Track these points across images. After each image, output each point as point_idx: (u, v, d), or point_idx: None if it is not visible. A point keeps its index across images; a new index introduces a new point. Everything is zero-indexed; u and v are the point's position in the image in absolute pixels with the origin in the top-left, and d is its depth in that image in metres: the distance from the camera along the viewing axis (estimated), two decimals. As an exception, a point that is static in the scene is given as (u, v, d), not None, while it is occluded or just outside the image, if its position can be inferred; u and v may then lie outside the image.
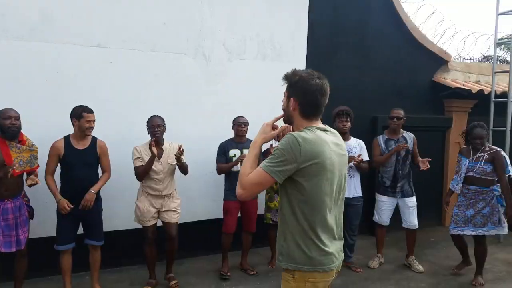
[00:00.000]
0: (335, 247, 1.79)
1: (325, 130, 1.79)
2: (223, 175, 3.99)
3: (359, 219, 4.19)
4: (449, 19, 19.53)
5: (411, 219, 4.23)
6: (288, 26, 4.70)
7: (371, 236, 4.73)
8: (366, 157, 4.15)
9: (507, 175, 3.82)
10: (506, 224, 3.83)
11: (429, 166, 4.17)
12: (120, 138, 3.81)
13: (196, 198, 4.30)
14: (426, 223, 5.46)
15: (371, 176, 5.06)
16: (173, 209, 3.66)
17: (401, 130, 4.31)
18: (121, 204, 3.84)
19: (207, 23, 4.29)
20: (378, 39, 5.37)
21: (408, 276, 4.10)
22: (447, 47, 7.49)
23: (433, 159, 5.65)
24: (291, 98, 1.77)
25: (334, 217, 1.81)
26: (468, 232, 3.89)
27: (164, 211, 3.63)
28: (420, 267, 4.22)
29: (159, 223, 3.69)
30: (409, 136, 4.28)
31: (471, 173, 3.87)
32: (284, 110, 1.85)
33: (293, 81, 1.77)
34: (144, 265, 3.78)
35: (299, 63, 4.76)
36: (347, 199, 3.99)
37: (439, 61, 5.84)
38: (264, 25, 4.58)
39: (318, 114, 1.81)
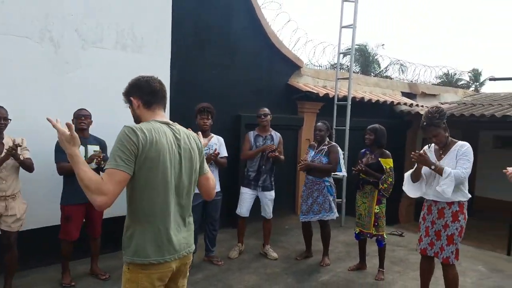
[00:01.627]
0: (176, 238, 1.81)
1: (167, 124, 1.87)
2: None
3: (218, 213, 4.30)
4: (302, 28, 21.70)
5: (268, 211, 4.57)
6: (150, 18, 4.53)
7: (234, 228, 4.93)
8: (224, 153, 4.28)
9: (339, 174, 4.42)
10: (335, 210, 4.38)
11: (276, 155, 4.39)
12: None
13: (37, 201, 3.70)
14: (282, 212, 5.97)
15: (235, 171, 5.29)
16: (14, 215, 3.22)
17: (270, 128, 4.59)
18: None
19: (55, 4, 3.84)
20: (240, 41, 5.61)
21: (265, 263, 4.39)
22: (300, 54, 8.24)
23: (288, 155, 6.20)
24: (131, 99, 1.87)
25: (176, 208, 1.84)
26: (309, 218, 4.36)
27: (7, 216, 3.18)
28: (274, 255, 4.55)
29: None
30: (276, 135, 4.59)
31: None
32: (134, 116, 1.92)
33: (127, 88, 1.90)
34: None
35: (163, 57, 4.65)
36: (208, 195, 4.14)
37: (294, 66, 6.41)
38: (124, 14, 4.33)
39: (159, 101, 1.90)
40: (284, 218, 6.08)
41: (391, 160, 3.98)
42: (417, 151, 3.16)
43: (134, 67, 4.44)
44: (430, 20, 49.61)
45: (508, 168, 2.63)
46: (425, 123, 3.12)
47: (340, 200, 5.98)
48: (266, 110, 4.52)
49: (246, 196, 4.53)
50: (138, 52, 4.48)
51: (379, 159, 3.96)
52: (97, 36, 4.16)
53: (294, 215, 6.38)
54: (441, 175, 3.01)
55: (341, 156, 4.46)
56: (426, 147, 3.30)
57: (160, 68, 4.63)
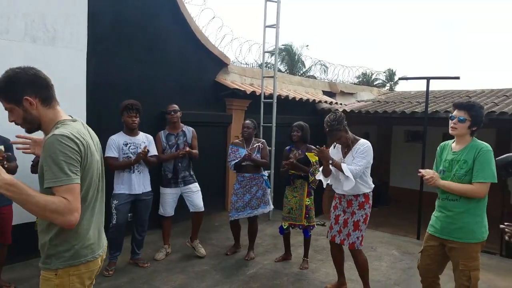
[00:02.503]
0: (103, 235, 1.85)
1: (75, 121, 1.75)
2: None
3: (148, 214, 4.18)
4: (228, 25, 21.73)
5: (197, 202, 4.45)
6: (63, 8, 4.23)
7: (160, 229, 4.80)
8: (154, 151, 4.18)
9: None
10: (271, 202, 4.57)
11: (188, 151, 4.35)
12: None
13: None
14: (212, 209, 5.96)
15: (156, 170, 5.15)
16: None
17: (181, 124, 4.53)
18: None
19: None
20: (164, 36, 5.48)
21: (193, 262, 4.36)
22: (227, 51, 8.28)
23: (216, 152, 6.21)
24: (26, 98, 1.60)
25: (101, 206, 1.84)
26: (246, 215, 4.42)
27: None
28: (202, 251, 4.52)
29: None
30: (188, 130, 4.53)
31: (247, 163, 4.41)
32: (29, 119, 1.65)
33: (12, 87, 1.59)
34: None
35: (80, 51, 4.39)
36: (136, 195, 4.00)
37: (220, 63, 6.42)
38: (34, 4, 4.00)
39: (54, 94, 1.72)
40: (213, 215, 6.08)
41: None
42: (318, 146, 3.40)
43: (47, 60, 4.15)
44: (351, 21, 52.83)
45: (421, 170, 2.88)
46: (327, 129, 3.37)
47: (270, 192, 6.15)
48: (175, 106, 4.45)
49: (168, 196, 4.42)
50: (50, 44, 4.17)
51: (306, 153, 4.16)
52: (3, 27, 3.79)
53: (224, 211, 6.41)
54: (340, 170, 3.30)
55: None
56: (334, 144, 3.59)
57: (75, 62, 4.37)
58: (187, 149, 4.35)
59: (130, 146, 3.98)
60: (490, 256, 5.05)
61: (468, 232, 2.64)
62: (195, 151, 4.47)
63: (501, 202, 5.39)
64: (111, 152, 3.92)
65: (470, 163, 2.61)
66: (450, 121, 2.74)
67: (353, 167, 3.28)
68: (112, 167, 3.90)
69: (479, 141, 2.68)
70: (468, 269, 2.63)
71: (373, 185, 3.47)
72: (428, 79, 5.76)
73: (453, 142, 2.82)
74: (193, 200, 4.46)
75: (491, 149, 2.62)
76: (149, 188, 4.14)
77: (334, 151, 3.56)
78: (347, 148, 3.46)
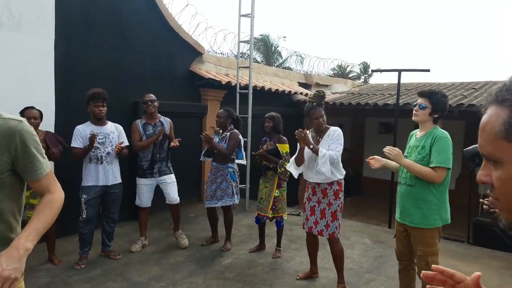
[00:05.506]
0: None
1: None
2: None
3: (119, 206, 4.10)
4: (202, 14, 21.37)
5: (171, 194, 4.41)
6: (29, -8, 4.06)
7: (136, 221, 4.73)
8: (126, 142, 4.09)
9: (240, 161, 4.52)
10: (237, 195, 4.47)
11: (178, 145, 4.36)
12: None
13: None
14: (187, 200, 5.91)
15: (134, 160, 5.04)
16: None
17: (158, 114, 4.44)
18: None
19: None
20: (136, 22, 5.33)
21: (168, 253, 4.32)
22: (201, 40, 8.17)
23: (192, 143, 6.14)
24: None
25: None
26: (213, 204, 4.37)
27: None
28: (185, 242, 4.47)
29: None
30: (166, 121, 4.46)
31: (215, 151, 4.38)
32: None
33: None
34: None
35: (46, 37, 4.23)
36: (106, 187, 3.91)
37: (195, 52, 6.31)
38: (-3, -13, 3.81)
39: None
40: (189, 206, 6.04)
41: (288, 145, 4.20)
42: (300, 130, 3.39)
43: (12, 46, 3.98)
44: (327, 14, 53.22)
45: (386, 147, 2.91)
46: (314, 104, 3.41)
47: (244, 185, 6.15)
48: (152, 96, 4.36)
49: (144, 187, 4.36)
50: (16, 30, 4.00)
51: (277, 144, 4.16)
52: (-38, 10, 3.60)
53: (200, 202, 6.37)
54: (317, 155, 3.31)
55: (242, 143, 4.55)
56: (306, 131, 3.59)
57: (42, 48, 4.21)
58: (177, 143, 4.29)
59: (97, 136, 3.87)
60: (458, 243, 5.25)
61: (423, 218, 2.72)
62: (176, 141, 4.37)
63: (469, 191, 5.59)
64: (75, 143, 3.80)
65: (428, 149, 2.70)
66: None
67: (332, 152, 3.32)
68: (75, 156, 3.81)
69: (440, 129, 2.77)
70: (426, 254, 2.73)
71: (344, 172, 3.53)
72: (399, 71, 5.86)
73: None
74: (168, 192, 4.41)
75: (448, 136, 2.71)
76: (119, 180, 4.04)
77: None
78: (319, 135, 3.49)
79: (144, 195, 4.36)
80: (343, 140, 3.44)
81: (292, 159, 3.60)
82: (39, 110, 3.67)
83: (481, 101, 6.29)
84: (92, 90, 3.83)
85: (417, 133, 2.89)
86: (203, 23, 8.77)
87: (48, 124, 4.13)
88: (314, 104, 3.42)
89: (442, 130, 2.76)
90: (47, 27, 4.23)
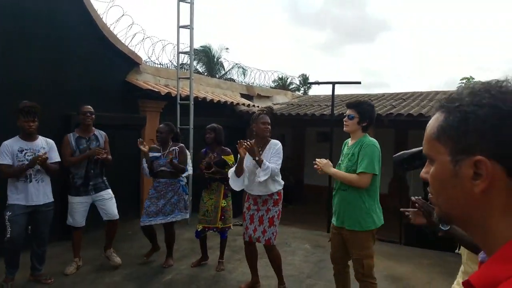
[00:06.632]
0: None
1: None
2: None
3: (48, 227, 3.81)
4: (139, 24, 21.03)
5: (111, 210, 4.20)
6: None
7: (69, 240, 4.42)
8: (57, 158, 3.83)
9: (186, 174, 4.45)
10: (189, 210, 4.46)
11: (105, 157, 4.11)
12: None
13: None
14: (125, 217, 5.63)
15: (66, 176, 4.74)
16: None
17: (93, 128, 4.24)
18: None
19: None
20: (68, 32, 5.08)
21: (104, 273, 4.09)
22: (138, 50, 7.97)
23: (130, 156, 5.92)
24: None
25: None
26: (159, 221, 4.26)
27: None
28: (117, 260, 4.27)
29: None
30: (101, 135, 4.27)
31: (163, 168, 4.26)
32: None
33: None
34: None
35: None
36: (35, 206, 3.63)
37: (131, 62, 6.12)
38: None
39: None
40: (127, 223, 5.76)
41: (232, 156, 4.22)
42: (249, 141, 3.43)
43: None
44: (271, 27, 54.58)
45: (316, 159, 3.05)
46: (264, 111, 3.57)
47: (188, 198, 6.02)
48: (90, 107, 4.15)
49: (78, 205, 4.09)
50: None
51: (222, 156, 4.15)
52: None
53: (138, 219, 6.06)
54: (260, 167, 3.37)
55: (189, 156, 4.50)
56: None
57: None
58: (105, 155, 4.04)
59: (26, 152, 3.60)
60: (392, 245, 5.56)
61: (356, 221, 2.86)
62: (110, 156, 4.19)
63: (399, 195, 5.97)
64: (5, 159, 3.51)
65: (356, 156, 2.86)
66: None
67: (273, 165, 3.41)
68: (4, 175, 3.51)
69: (369, 137, 2.95)
70: (361, 257, 2.86)
71: (283, 182, 3.62)
72: (333, 83, 6.16)
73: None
74: (106, 208, 4.19)
75: (375, 144, 2.89)
76: (51, 199, 3.78)
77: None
78: (261, 147, 3.56)
79: (78, 214, 4.10)
80: (282, 154, 3.56)
81: (231, 171, 3.61)
82: None
83: (409, 111, 6.80)
84: (23, 104, 3.56)
85: (349, 141, 3.05)
86: (140, 33, 8.57)
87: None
88: (264, 112, 3.56)
89: (371, 138, 2.92)
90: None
